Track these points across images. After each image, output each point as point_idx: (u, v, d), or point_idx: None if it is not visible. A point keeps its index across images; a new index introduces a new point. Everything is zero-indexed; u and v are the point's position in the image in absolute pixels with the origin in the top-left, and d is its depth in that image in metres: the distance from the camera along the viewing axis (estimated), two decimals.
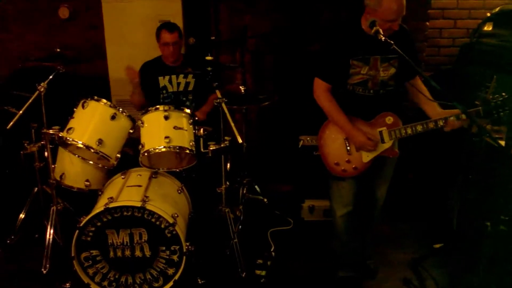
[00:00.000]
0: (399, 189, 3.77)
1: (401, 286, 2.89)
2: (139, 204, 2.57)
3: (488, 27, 3.88)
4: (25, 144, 3.11)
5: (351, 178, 2.70)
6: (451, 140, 3.42)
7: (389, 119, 2.59)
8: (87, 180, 3.02)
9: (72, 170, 3.04)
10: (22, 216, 3.31)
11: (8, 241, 3.28)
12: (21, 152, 3.13)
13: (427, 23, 4.20)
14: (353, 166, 2.65)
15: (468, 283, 2.63)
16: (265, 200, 3.79)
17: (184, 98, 3.50)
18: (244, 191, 3.67)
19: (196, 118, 2.93)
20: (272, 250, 3.23)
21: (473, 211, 2.73)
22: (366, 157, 2.63)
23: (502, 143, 2.41)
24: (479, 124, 2.28)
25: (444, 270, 2.94)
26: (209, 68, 2.86)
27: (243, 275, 2.92)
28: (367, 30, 2.46)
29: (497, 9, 3.85)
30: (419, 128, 2.53)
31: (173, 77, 3.46)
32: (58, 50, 3.08)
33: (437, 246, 3.20)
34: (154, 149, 2.76)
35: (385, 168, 2.77)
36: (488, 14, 3.87)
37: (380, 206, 2.89)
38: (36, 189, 3.29)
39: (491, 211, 2.46)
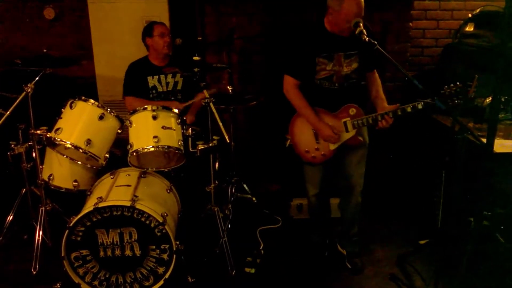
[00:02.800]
0: (384, 186, 3.86)
1: (388, 282, 2.93)
2: (128, 204, 2.58)
3: (469, 28, 3.97)
4: (12, 145, 3.09)
5: (320, 164, 2.96)
6: (435, 137, 3.50)
7: (352, 111, 2.80)
8: (75, 181, 3.01)
9: (60, 171, 3.03)
10: (10, 217, 3.27)
11: None
12: (8, 153, 3.11)
13: (411, 24, 4.28)
14: (322, 153, 2.90)
15: (452, 277, 2.69)
16: (254, 199, 3.81)
17: (173, 98, 3.51)
18: (233, 190, 3.70)
19: (185, 119, 2.95)
20: (261, 248, 3.27)
21: (456, 207, 2.80)
22: (333, 145, 2.87)
23: (484, 140, 2.47)
24: (460, 122, 2.35)
25: (430, 266, 2.99)
26: (196, 69, 2.88)
27: (233, 273, 2.94)
28: (330, 29, 2.66)
29: (477, 10, 3.95)
30: (379, 118, 2.71)
31: (162, 76, 3.48)
32: (45, 50, 3.07)
33: (423, 242, 3.26)
34: (143, 148, 2.77)
35: (354, 155, 2.95)
36: (470, 15, 3.97)
37: (358, 192, 3.03)
38: (24, 190, 3.27)
39: (474, 207, 2.52)
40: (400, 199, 3.87)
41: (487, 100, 3.42)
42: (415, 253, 3.18)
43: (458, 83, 2.51)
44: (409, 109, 2.63)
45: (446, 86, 2.51)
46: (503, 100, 3.18)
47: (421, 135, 3.76)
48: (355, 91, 2.85)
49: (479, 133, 3.01)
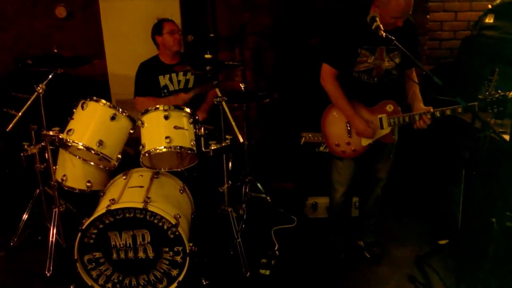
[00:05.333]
0: (403, 184, 3.77)
1: (407, 283, 2.87)
2: (141, 206, 2.55)
3: (489, 19, 3.84)
4: (25, 146, 3.08)
5: (350, 159, 2.88)
6: (455, 133, 3.40)
7: (390, 107, 2.74)
8: (88, 181, 2.99)
9: (73, 172, 3.01)
10: (24, 218, 3.28)
11: (12, 244, 3.26)
12: (22, 154, 3.10)
13: (428, 16, 4.16)
14: (352, 148, 2.81)
15: (473, 279, 2.61)
16: (268, 198, 3.76)
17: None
18: (247, 190, 3.64)
19: (197, 117, 2.90)
20: (276, 248, 3.21)
21: (478, 207, 2.71)
22: (365, 141, 2.78)
23: (507, 137, 2.37)
24: (482, 120, 2.26)
25: (450, 267, 2.92)
26: (208, 68, 2.82)
27: (247, 275, 2.90)
28: (369, 22, 2.52)
29: (498, 1, 3.81)
30: (417, 117, 2.63)
31: (173, 75, 3.44)
32: (55, 50, 3.04)
33: (442, 242, 3.17)
34: (155, 149, 2.73)
35: (384, 152, 2.91)
36: (489, 6, 3.83)
37: (382, 186, 3.04)
38: (38, 191, 3.27)
39: (497, 207, 2.43)
40: (419, 197, 3.78)
41: (509, 95, 3.30)
42: (434, 253, 3.10)
43: (500, 91, 2.40)
44: (448, 112, 2.55)
45: (487, 93, 2.41)
46: None
47: (440, 130, 3.66)
48: (394, 88, 2.77)
49: (500, 129, 2.91)
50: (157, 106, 2.82)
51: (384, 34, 2.36)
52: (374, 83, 2.72)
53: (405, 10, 2.46)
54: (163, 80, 3.42)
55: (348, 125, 2.79)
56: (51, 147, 2.90)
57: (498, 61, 3.53)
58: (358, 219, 3.33)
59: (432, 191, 3.70)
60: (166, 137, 2.71)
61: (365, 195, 3.15)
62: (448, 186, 3.41)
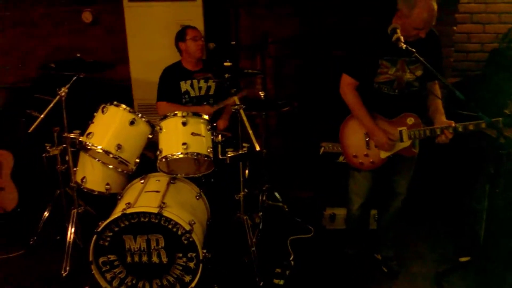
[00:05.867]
0: (425, 198, 3.69)
1: None
2: (156, 211, 2.56)
3: None
4: (47, 147, 3.14)
5: (367, 172, 2.82)
6: (479, 148, 3.31)
7: (410, 120, 2.67)
8: (107, 184, 3.02)
9: (93, 174, 3.04)
10: (44, 218, 3.34)
11: (31, 242, 3.33)
12: (44, 155, 3.16)
13: (455, 28, 4.08)
14: (371, 160, 2.76)
15: None
16: (286, 207, 3.73)
17: (205, 103, 3.48)
18: (264, 198, 3.62)
19: (215, 124, 2.90)
20: (291, 259, 3.18)
21: (500, 226, 2.62)
22: (384, 153, 2.73)
23: None
24: (505, 136, 2.19)
25: (471, 286, 2.82)
26: (226, 75, 2.82)
27: (261, 284, 2.87)
28: (389, 33, 2.48)
29: None
30: (438, 131, 2.56)
31: (194, 81, 3.46)
32: (78, 55, 3.11)
33: (464, 259, 3.08)
34: (172, 155, 2.75)
35: (403, 165, 2.85)
36: None
37: (401, 201, 2.95)
38: (58, 191, 3.32)
39: None
40: (441, 212, 3.69)
41: None
42: (455, 271, 3.01)
43: None
44: (471, 127, 2.48)
45: None
46: None
47: (465, 145, 3.57)
48: (415, 100, 2.71)
49: None
50: (176, 112, 2.84)
51: (404, 45, 2.31)
52: (395, 94, 2.67)
53: (428, 21, 2.40)
54: (184, 85, 3.45)
55: (366, 136, 2.75)
56: (71, 149, 2.94)
57: None
58: (377, 232, 3.26)
59: (454, 206, 3.60)
60: (183, 143, 2.72)
61: (384, 208, 3.08)
62: (472, 202, 3.31)
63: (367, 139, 2.75)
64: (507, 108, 2.41)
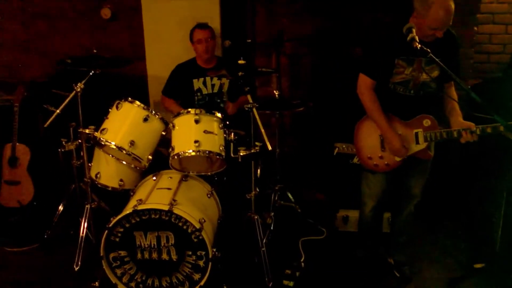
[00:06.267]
0: (441, 203, 3.61)
1: None
2: (166, 208, 2.56)
3: None
4: (63, 142, 3.17)
5: (381, 174, 2.78)
6: (498, 153, 3.22)
7: (427, 122, 2.62)
8: (121, 180, 3.04)
9: (107, 170, 3.07)
10: (59, 211, 3.38)
11: (46, 236, 3.37)
12: (59, 150, 3.19)
13: (476, 28, 3.98)
14: (385, 162, 2.72)
15: None
16: (298, 207, 3.70)
17: (218, 100, 3.49)
18: (276, 198, 3.60)
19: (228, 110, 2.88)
20: (302, 260, 3.15)
21: None
22: (397, 157, 2.68)
23: None
24: None
25: None
26: (240, 73, 2.80)
27: (270, 285, 2.85)
28: (405, 32, 2.43)
29: None
30: (455, 134, 2.51)
31: (207, 79, 3.46)
32: (95, 51, 3.13)
33: (478, 266, 3.00)
34: (184, 152, 2.75)
35: (418, 168, 2.81)
36: None
37: (416, 203, 2.90)
38: (73, 186, 3.36)
39: None
40: (456, 217, 3.61)
41: None
42: (469, 277, 2.94)
43: None
44: (489, 130, 2.42)
45: None
46: None
47: (483, 149, 3.49)
48: (432, 101, 2.66)
49: None
50: (189, 109, 2.84)
51: (419, 45, 2.25)
52: (410, 95, 2.61)
53: (444, 21, 2.35)
54: (197, 83, 3.45)
55: (381, 138, 2.70)
56: (86, 144, 2.97)
57: None
58: (390, 235, 3.21)
59: (471, 212, 3.52)
60: (195, 141, 2.72)
61: (397, 211, 3.03)
62: (489, 208, 3.23)
63: (382, 140, 2.70)
64: None
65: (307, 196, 3.93)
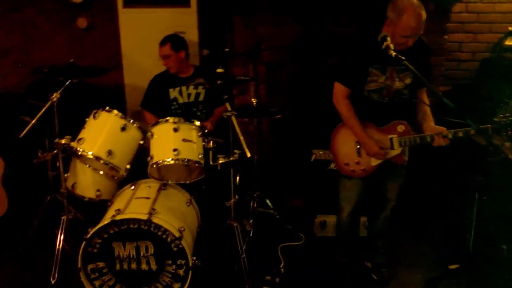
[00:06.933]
0: (415, 206, 3.69)
1: None
2: (145, 217, 2.55)
3: (509, 42, 3.80)
4: (39, 153, 3.13)
5: (358, 179, 2.83)
6: (468, 155, 3.33)
7: (401, 128, 2.69)
8: (98, 190, 3.01)
9: (83, 180, 3.03)
10: (34, 224, 3.31)
11: (20, 249, 3.30)
12: (34, 161, 3.15)
13: (446, 37, 4.11)
14: (362, 168, 2.77)
15: None
16: (276, 214, 3.72)
17: (195, 109, 3.50)
18: (255, 205, 3.61)
19: (206, 130, 2.92)
20: (281, 266, 3.17)
21: (490, 232, 2.63)
22: (375, 161, 2.74)
23: None
24: (495, 144, 2.21)
25: None
26: (218, 82, 2.83)
27: None
28: (379, 41, 2.50)
29: None
30: (428, 138, 2.58)
31: (183, 88, 3.47)
32: (72, 60, 3.12)
33: (453, 267, 3.08)
34: (163, 161, 2.75)
35: (393, 172, 2.86)
36: (510, 28, 3.79)
37: (391, 207, 2.97)
38: (49, 197, 3.31)
39: (508, 233, 2.36)
40: (430, 220, 3.69)
41: None
42: (444, 277, 3.01)
43: None
44: (461, 134, 2.49)
45: (501, 115, 2.38)
46: None
47: (453, 152, 3.59)
48: (405, 108, 2.72)
49: None
50: (167, 118, 2.84)
51: (394, 53, 2.33)
52: (384, 102, 2.68)
53: (416, 29, 2.42)
54: (173, 92, 3.46)
55: (358, 144, 2.76)
56: (62, 155, 2.94)
57: None
58: (367, 239, 3.27)
59: (444, 214, 3.61)
60: (174, 150, 2.73)
61: (374, 215, 3.09)
62: (461, 210, 3.33)
63: (358, 147, 2.76)
64: (496, 116, 2.43)
65: (285, 202, 3.95)
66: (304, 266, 3.22)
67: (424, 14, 2.42)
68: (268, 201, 3.76)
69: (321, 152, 3.45)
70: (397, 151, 2.70)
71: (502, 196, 2.40)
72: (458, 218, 3.32)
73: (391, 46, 2.36)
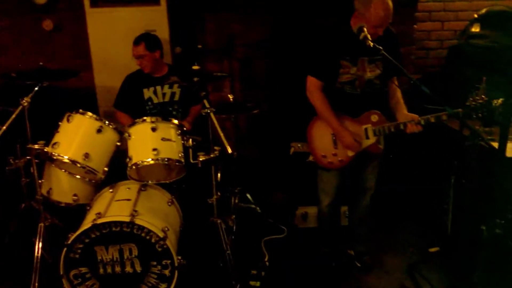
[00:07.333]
0: (392, 192, 3.77)
1: None
2: (127, 219, 2.51)
3: (475, 29, 3.89)
4: (10, 160, 3.03)
5: (336, 170, 2.88)
6: (443, 141, 3.41)
7: (374, 117, 2.73)
8: (74, 195, 2.94)
9: (59, 185, 2.95)
10: (10, 233, 3.22)
11: None
12: (6, 168, 3.05)
13: (415, 26, 4.19)
14: (339, 159, 2.82)
15: (465, 287, 2.60)
16: (258, 208, 3.73)
17: (170, 109, 3.45)
18: (236, 201, 3.61)
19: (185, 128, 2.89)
20: (266, 259, 3.18)
21: (468, 215, 2.70)
22: (351, 151, 2.77)
23: (495, 145, 2.37)
24: (472, 128, 2.27)
25: (442, 275, 2.91)
26: (195, 79, 2.80)
27: (237, 287, 2.85)
28: (356, 32, 2.53)
29: (483, 11, 3.86)
30: (401, 126, 2.64)
31: (158, 88, 3.41)
32: (41, 63, 3.02)
33: (433, 250, 3.16)
34: (142, 162, 2.70)
35: (370, 161, 2.91)
36: (475, 16, 3.88)
37: (370, 195, 3.02)
38: (23, 205, 3.21)
39: (487, 215, 2.43)
40: (408, 205, 3.77)
41: (496, 102, 3.32)
42: (425, 261, 3.09)
43: (483, 96, 2.43)
44: (432, 120, 2.55)
45: (471, 99, 2.44)
46: None
47: (428, 138, 3.67)
48: (378, 98, 2.77)
49: (488, 137, 2.92)
50: (144, 118, 2.80)
51: (372, 44, 2.35)
52: (357, 93, 2.72)
53: (384, 19, 2.46)
54: (147, 92, 3.40)
55: (334, 136, 2.79)
56: (36, 160, 2.86)
57: (485, 69, 3.55)
58: (348, 228, 3.31)
59: (422, 200, 3.70)
60: (154, 149, 2.68)
61: (354, 205, 3.14)
62: (438, 195, 3.41)
63: (334, 138, 2.79)
64: (467, 101, 2.50)
65: (266, 196, 3.97)
66: (288, 258, 3.24)
67: (391, 3, 2.47)
68: (249, 196, 3.76)
69: (299, 145, 3.46)
70: (372, 140, 2.75)
71: (479, 178, 2.46)
72: (436, 203, 3.40)
73: (369, 36, 2.38)
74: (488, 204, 2.56)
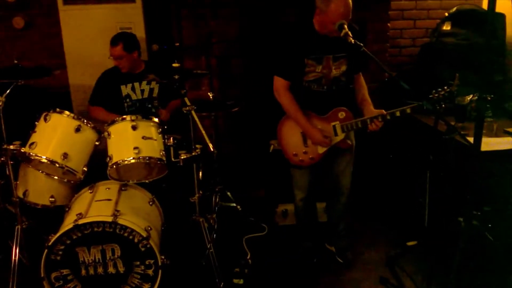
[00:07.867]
0: (369, 187, 3.84)
1: (379, 285, 2.90)
2: (110, 219, 2.47)
3: (446, 27, 4.00)
4: None
5: (308, 167, 2.92)
6: (418, 137, 3.50)
7: (342, 114, 2.78)
8: (52, 196, 2.88)
9: (35, 187, 2.89)
10: None
11: None
12: None
13: (388, 24, 4.28)
14: (310, 156, 2.85)
15: (443, 279, 2.67)
16: (238, 207, 3.73)
17: (149, 105, 3.42)
18: (217, 199, 3.61)
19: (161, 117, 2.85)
20: (248, 257, 3.18)
21: (445, 207, 2.78)
22: (321, 148, 2.83)
23: (471, 139, 2.46)
24: (447, 122, 2.33)
25: (420, 267, 2.98)
26: (176, 76, 2.78)
27: (221, 286, 2.85)
28: (319, 30, 2.62)
29: (454, 9, 3.99)
30: (368, 121, 2.69)
31: (136, 84, 3.38)
32: (16, 61, 2.94)
33: (411, 243, 3.24)
34: (123, 161, 2.66)
35: (342, 158, 2.96)
36: (446, 14, 4.00)
37: (345, 193, 3.06)
38: None
39: (463, 207, 2.51)
40: (385, 200, 3.85)
41: (468, 98, 3.44)
42: (404, 254, 3.16)
43: (445, 87, 2.51)
44: (397, 114, 2.62)
45: (434, 91, 2.52)
46: (489, 99, 3.19)
47: (403, 134, 3.76)
48: (344, 94, 2.81)
49: (462, 132, 3.02)
50: (124, 116, 2.76)
51: (353, 41, 2.38)
52: (324, 91, 2.76)
53: (345, 15, 2.48)
54: (125, 89, 3.36)
55: (303, 134, 2.83)
56: (12, 162, 2.78)
57: (457, 66, 3.66)
58: (327, 224, 3.36)
59: (399, 194, 3.78)
60: (135, 148, 2.65)
61: (332, 201, 3.18)
62: (414, 189, 3.49)
63: (304, 136, 2.83)
64: (430, 94, 2.57)
65: (246, 194, 3.98)
66: (270, 255, 3.26)
67: (350, 0, 2.51)
68: (229, 194, 3.76)
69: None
70: (340, 137, 2.81)
71: (455, 172, 2.54)
72: (413, 197, 3.48)
73: (350, 33, 2.41)
74: (465, 197, 2.64)
